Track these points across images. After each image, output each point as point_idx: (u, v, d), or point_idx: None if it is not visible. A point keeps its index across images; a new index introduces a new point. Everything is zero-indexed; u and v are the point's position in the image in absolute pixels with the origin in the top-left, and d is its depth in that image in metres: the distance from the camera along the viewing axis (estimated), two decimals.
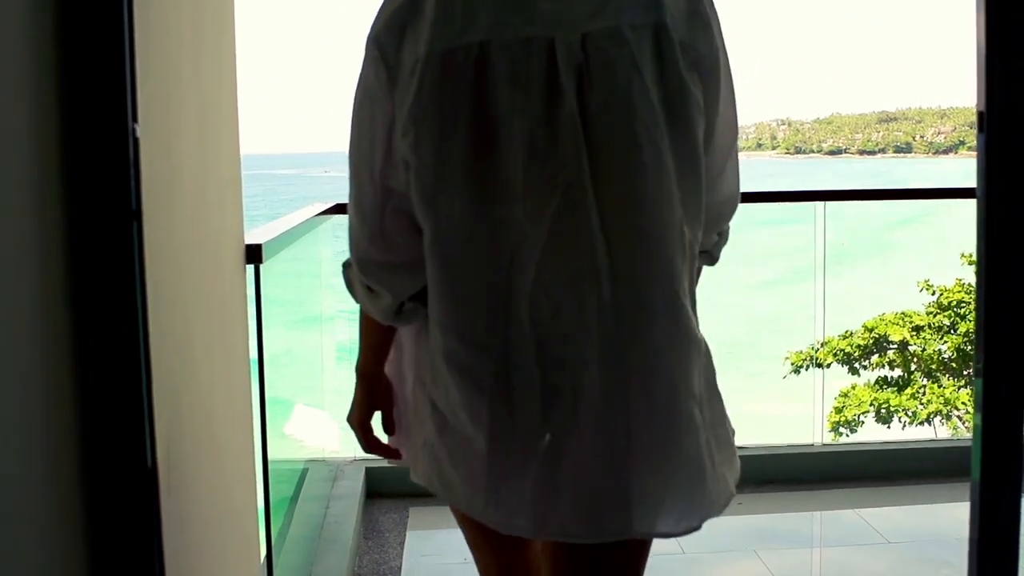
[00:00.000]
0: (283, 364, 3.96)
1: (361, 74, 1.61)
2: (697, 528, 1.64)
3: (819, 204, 4.86)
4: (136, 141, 1.47)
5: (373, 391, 1.94)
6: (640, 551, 1.75)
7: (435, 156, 1.53)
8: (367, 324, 1.87)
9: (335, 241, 4.86)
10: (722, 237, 1.85)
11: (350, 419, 1.98)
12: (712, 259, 1.83)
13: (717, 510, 1.67)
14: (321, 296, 4.91)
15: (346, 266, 1.81)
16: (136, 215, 1.52)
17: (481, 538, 1.91)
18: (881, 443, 5.36)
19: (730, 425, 1.76)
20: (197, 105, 2.39)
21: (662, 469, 1.58)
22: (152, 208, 1.70)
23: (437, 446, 1.70)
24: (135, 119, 1.47)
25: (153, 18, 1.94)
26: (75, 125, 1.44)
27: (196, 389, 2.31)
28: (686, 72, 1.53)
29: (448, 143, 1.51)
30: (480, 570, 2.00)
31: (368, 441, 1.97)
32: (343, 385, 5.28)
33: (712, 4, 1.61)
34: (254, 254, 2.90)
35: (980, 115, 1.39)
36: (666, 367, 1.56)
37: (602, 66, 1.49)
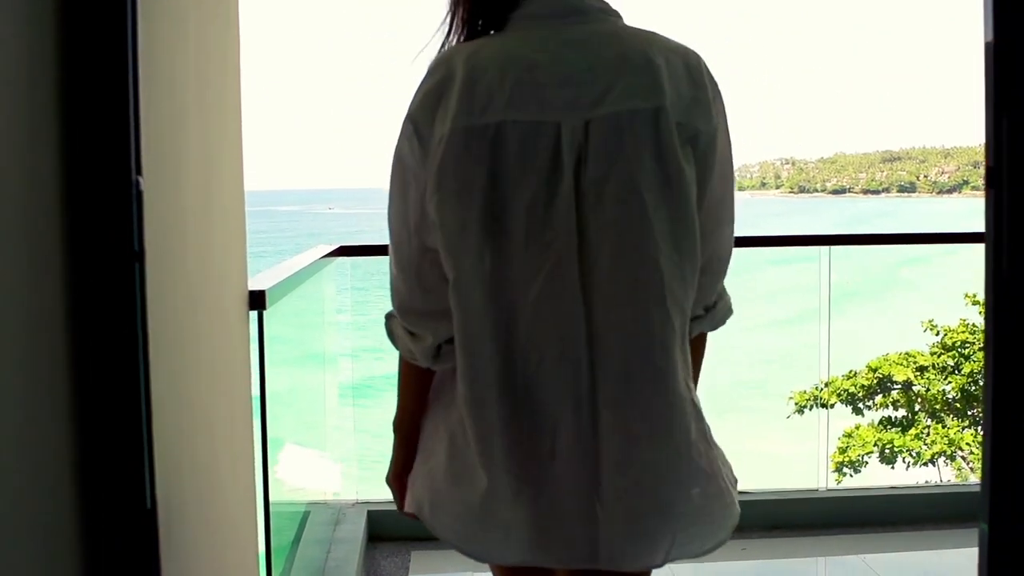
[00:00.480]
0: (285, 403, 3.95)
1: (397, 145, 1.78)
2: (658, 566, 1.76)
3: (824, 248, 4.85)
4: (140, 193, 1.48)
5: (409, 446, 1.98)
6: None
7: (455, 218, 1.70)
8: (406, 379, 1.96)
9: (339, 278, 4.86)
10: (720, 301, 1.95)
11: (388, 478, 2.04)
12: (713, 323, 1.94)
13: (691, 554, 1.79)
14: (324, 335, 4.89)
15: (389, 317, 1.93)
16: (139, 256, 1.51)
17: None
18: (887, 488, 5.31)
19: (730, 475, 1.86)
20: (202, 153, 2.40)
21: (630, 517, 1.71)
22: (155, 254, 1.69)
23: (443, 475, 1.82)
24: (139, 171, 1.47)
25: (159, 67, 1.94)
26: (78, 175, 1.44)
27: (197, 431, 2.30)
28: (683, 150, 1.69)
29: (466, 209, 1.68)
30: None
31: (405, 501, 1.99)
32: (345, 423, 5.27)
33: (715, 88, 1.77)
34: (257, 300, 2.91)
35: (989, 170, 1.39)
36: (637, 426, 1.70)
37: (599, 150, 1.66)
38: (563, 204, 1.66)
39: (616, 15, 1.79)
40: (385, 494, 2.09)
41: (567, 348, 1.68)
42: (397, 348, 1.93)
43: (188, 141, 2.25)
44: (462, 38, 1.83)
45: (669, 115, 1.66)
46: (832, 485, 4.98)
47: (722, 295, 1.95)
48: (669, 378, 1.70)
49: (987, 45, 1.39)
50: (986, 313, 1.40)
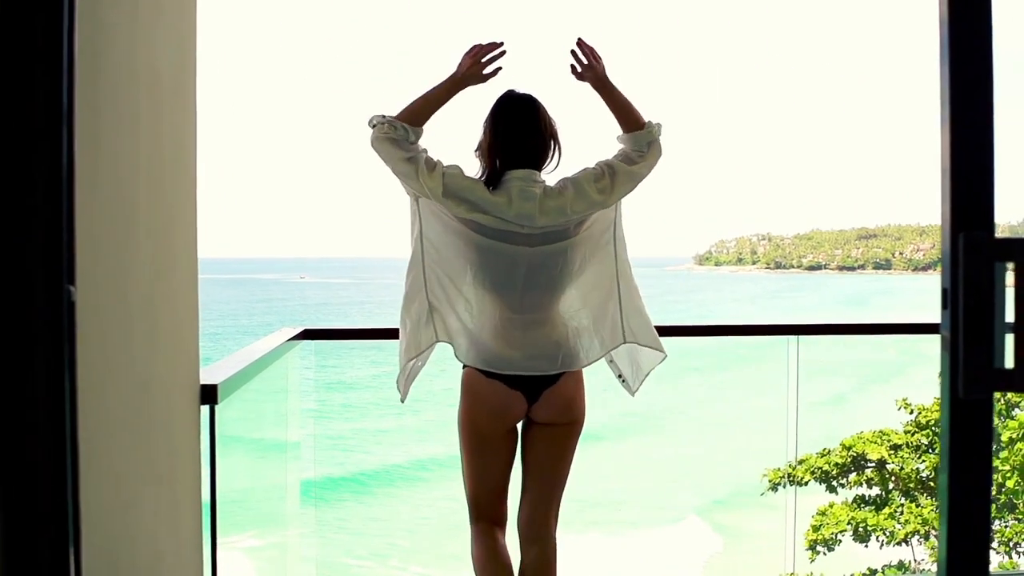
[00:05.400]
0: (240, 498, 3.85)
1: (433, 168, 3.32)
2: (550, 372, 3.39)
3: (792, 338, 4.87)
4: (72, 304, 1.42)
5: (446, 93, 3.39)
6: (569, 391, 3.46)
7: (453, 251, 3.42)
8: (434, 93, 3.38)
9: (303, 359, 4.76)
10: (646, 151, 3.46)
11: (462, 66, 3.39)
12: (647, 159, 3.45)
13: (572, 367, 3.44)
14: (288, 422, 4.77)
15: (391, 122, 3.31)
16: (70, 377, 1.45)
17: (481, 444, 3.47)
18: None
19: (609, 322, 3.51)
20: (152, 255, 2.35)
21: (534, 361, 3.38)
22: (96, 347, 1.63)
23: (483, 337, 3.42)
24: (71, 281, 1.41)
25: (103, 162, 1.90)
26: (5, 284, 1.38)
27: (137, 533, 2.23)
28: (585, 224, 3.39)
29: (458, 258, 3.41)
30: (475, 474, 3.51)
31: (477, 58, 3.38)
32: (307, 515, 5.15)
33: (585, 180, 3.35)
34: (209, 394, 2.84)
35: (944, 292, 1.35)
36: (548, 327, 3.41)
37: (540, 249, 3.34)
38: (521, 269, 3.32)
39: (542, 179, 3.38)
40: None
41: (509, 311, 3.37)
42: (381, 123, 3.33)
43: (136, 244, 2.21)
44: (485, 172, 3.41)
45: (571, 228, 3.34)
46: (801, 573, 4.90)
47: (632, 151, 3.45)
48: (558, 324, 3.41)
49: (943, 167, 1.37)
50: (942, 439, 1.35)
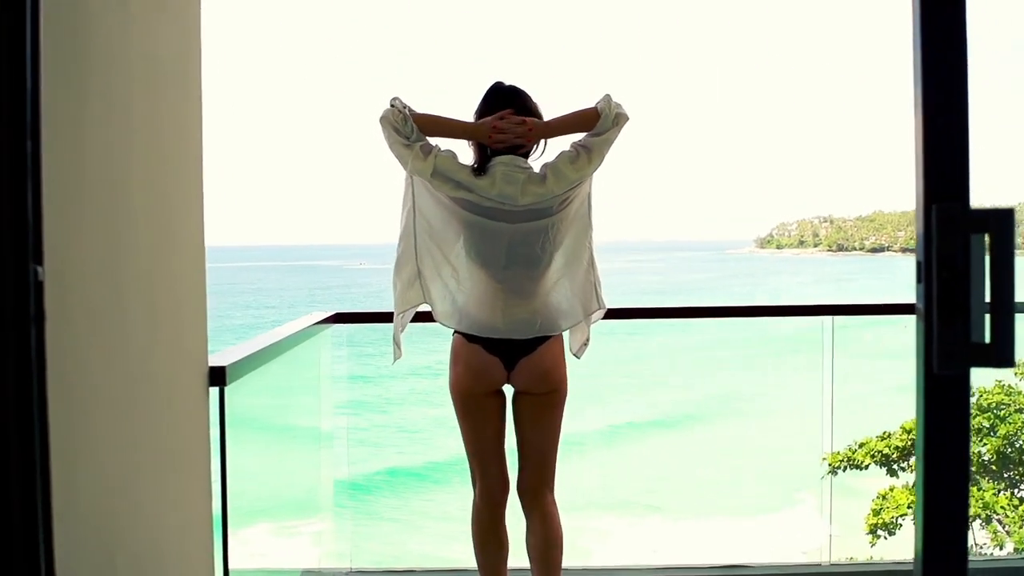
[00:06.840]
0: (264, 480, 3.85)
1: (424, 152, 3.53)
2: (528, 336, 3.62)
3: (827, 319, 4.80)
4: (40, 284, 1.40)
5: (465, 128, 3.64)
6: (548, 361, 3.68)
7: (445, 224, 3.65)
8: (451, 124, 3.62)
9: (334, 348, 4.72)
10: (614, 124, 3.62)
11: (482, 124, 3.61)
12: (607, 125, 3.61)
13: (551, 331, 3.67)
14: (320, 410, 4.75)
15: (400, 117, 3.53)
16: (39, 359, 1.44)
17: (474, 407, 3.70)
18: (890, 563, 5.11)
19: (583, 303, 3.74)
20: (150, 240, 2.35)
21: (514, 325, 3.59)
22: (85, 334, 1.63)
23: (465, 311, 3.65)
24: (39, 261, 1.40)
25: (89, 149, 1.90)
26: None
27: (139, 519, 2.22)
28: (561, 204, 3.56)
29: (455, 225, 3.62)
30: (468, 437, 3.74)
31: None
32: (351, 501, 5.14)
33: (564, 165, 3.54)
34: (218, 377, 2.85)
35: (919, 265, 1.30)
36: (528, 296, 3.59)
37: (522, 224, 3.55)
38: (503, 243, 3.52)
39: (528, 164, 3.59)
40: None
41: (493, 281, 3.55)
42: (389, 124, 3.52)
43: (132, 227, 2.20)
44: (476, 158, 3.63)
45: (551, 203, 3.54)
46: (836, 559, 4.81)
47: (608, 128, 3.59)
48: (543, 290, 3.61)
49: (916, 134, 1.32)
50: (917, 417, 1.30)
